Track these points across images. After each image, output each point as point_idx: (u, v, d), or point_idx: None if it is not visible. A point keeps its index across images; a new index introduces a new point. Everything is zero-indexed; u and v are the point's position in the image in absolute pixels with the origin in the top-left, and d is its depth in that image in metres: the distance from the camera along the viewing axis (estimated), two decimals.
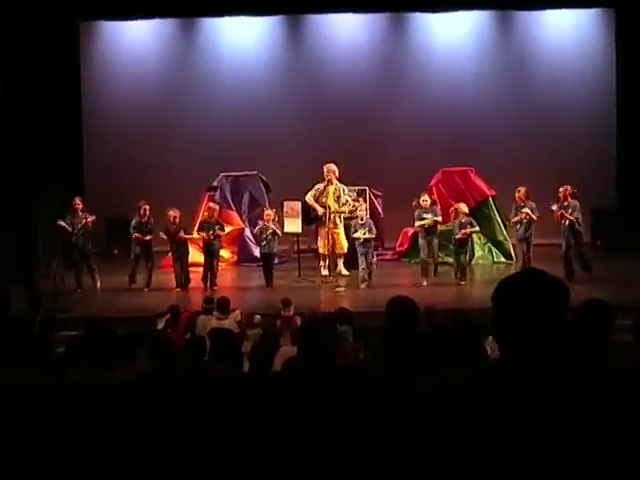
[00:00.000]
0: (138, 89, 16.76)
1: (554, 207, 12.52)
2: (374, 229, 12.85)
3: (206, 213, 13.47)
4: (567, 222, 12.44)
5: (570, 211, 12.43)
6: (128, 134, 16.62)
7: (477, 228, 13.11)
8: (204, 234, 12.92)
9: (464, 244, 12.88)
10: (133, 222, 13.04)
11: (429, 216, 12.77)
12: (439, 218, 12.89)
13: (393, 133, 16.54)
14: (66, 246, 13.30)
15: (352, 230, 12.82)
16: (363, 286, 12.54)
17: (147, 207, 12.99)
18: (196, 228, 14.39)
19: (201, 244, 14.32)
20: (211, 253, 12.93)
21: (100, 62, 16.77)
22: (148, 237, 12.91)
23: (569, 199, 12.52)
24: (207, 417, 4.04)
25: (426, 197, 13.03)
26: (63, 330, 9.23)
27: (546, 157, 16.27)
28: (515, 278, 2.20)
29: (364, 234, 12.61)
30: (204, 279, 12.86)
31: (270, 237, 12.91)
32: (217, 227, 13.03)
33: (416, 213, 12.90)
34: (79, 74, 16.12)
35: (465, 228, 12.77)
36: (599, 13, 16.68)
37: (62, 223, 12.99)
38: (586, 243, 13.26)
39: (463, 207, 13.00)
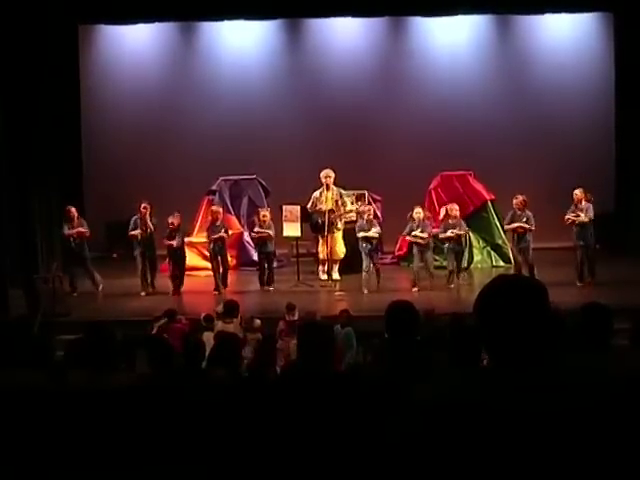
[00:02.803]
0: (137, 93, 16.75)
1: (568, 215, 12.62)
2: (379, 228, 12.89)
3: (210, 217, 13.47)
4: (577, 224, 12.51)
5: (584, 213, 12.55)
6: (127, 137, 16.61)
7: (462, 232, 12.98)
8: (211, 236, 13.00)
9: (456, 245, 12.86)
10: (132, 220, 13.07)
11: (418, 232, 12.78)
12: (425, 235, 12.80)
13: (392, 137, 16.53)
14: (64, 251, 13.34)
15: (358, 230, 12.81)
16: (366, 291, 12.55)
17: (145, 206, 12.98)
18: (195, 231, 14.42)
19: (200, 248, 14.33)
20: (217, 255, 13.00)
21: (99, 65, 16.76)
22: (136, 232, 12.88)
23: (583, 202, 12.62)
24: (206, 421, 4.03)
25: (419, 210, 12.99)
26: (62, 333, 9.21)
27: (545, 161, 16.28)
28: (492, 287, 2.22)
29: (373, 233, 12.69)
30: (216, 285, 12.90)
31: (267, 239, 13.00)
32: (222, 230, 13.09)
33: (408, 226, 12.97)
34: (78, 77, 16.11)
35: (454, 229, 12.79)
36: (597, 17, 16.68)
37: (67, 232, 12.98)
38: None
39: (453, 209, 13.01)
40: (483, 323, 2.19)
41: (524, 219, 12.74)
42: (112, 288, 13.25)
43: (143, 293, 12.92)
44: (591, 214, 12.62)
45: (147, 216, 12.92)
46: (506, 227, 13.14)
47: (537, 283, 2.23)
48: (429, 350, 4.50)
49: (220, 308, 9.90)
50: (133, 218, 13.04)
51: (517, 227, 12.78)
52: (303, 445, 3.58)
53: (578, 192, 12.71)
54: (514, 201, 12.88)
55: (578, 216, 12.61)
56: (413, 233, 12.86)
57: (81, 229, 13.02)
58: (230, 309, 9.55)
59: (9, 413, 3.81)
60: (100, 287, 13.15)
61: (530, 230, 12.71)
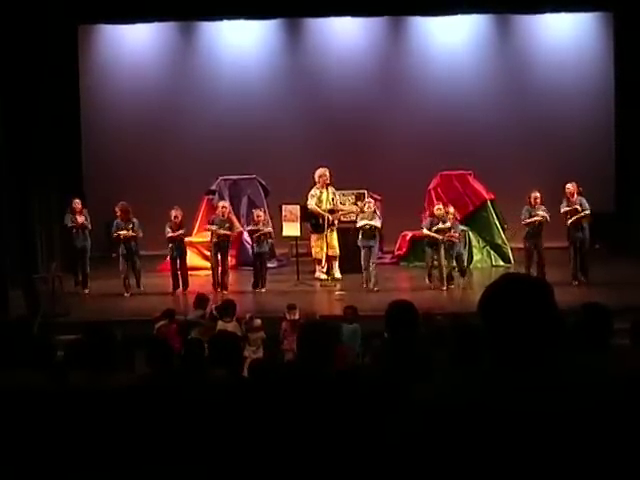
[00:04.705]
0: (137, 92, 16.76)
1: (564, 209, 12.49)
2: (379, 220, 12.77)
3: (218, 210, 13.38)
4: (572, 221, 12.38)
5: (581, 208, 12.40)
6: (127, 137, 16.62)
7: (456, 234, 12.79)
8: (214, 228, 12.89)
9: (452, 247, 12.79)
10: (114, 223, 13.01)
11: (440, 226, 12.69)
12: (452, 228, 12.73)
13: (392, 137, 16.54)
14: (68, 246, 13.36)
15: (360, 220, 12.67)
16: (376, 288, 12.44)
17: (121, 207, 12.99)
18: (195, 231, 14.39)
19: (200, 248, 14.27)
20: (221, 251, 12.92)
21: (99, 65, 16.77)
22: (123, 233, 12.83)
23: (575, 196, 12.50)
24: (206, 421, 4.03)
25: (440, 206, 12.94)
26: (62, 334, 9.20)
27: (545, 160, 16.27)
28: (497, 285, 2.21)
29: (376, 222, 12.56)
30: (214, 282, 12.80)
31: (262, 238, 12.97)
32: (227, 225, 13.05)
33: (428, 221, 12.89)
34: (78, 77, 16.11)
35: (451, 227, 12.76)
36: (597, 17, 16.69)
37: (69, 224, 13.00)
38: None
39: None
40: (487, 321, 2.18)
41: (541, 212, 12.57)
42: (111, 288, 13.23)
43: (127, 294, 12.83)
44: (588, 207, 12.46)
45: (124, 218, 12.88)
46: (526, 221, 12.71)
47: (543, 282, 2.22)
48: (429, 350, 4.50)
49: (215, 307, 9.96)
50: (115, 222, 12.97)
51: (538, 219, 12.52)
52: (303, 445, 3.58)
53: (570, 186, 12.52)
54: (532, 197, 12.61)
55: (576, 210, 12.42)
56: (434, 228, 12.71)
57: (83, 221, 13.02)
58: (225, 308, 9.59)
59: (9, 413, 3.80)
60: (86, 291, 13.11)
61: (547, 221, 12.53)
